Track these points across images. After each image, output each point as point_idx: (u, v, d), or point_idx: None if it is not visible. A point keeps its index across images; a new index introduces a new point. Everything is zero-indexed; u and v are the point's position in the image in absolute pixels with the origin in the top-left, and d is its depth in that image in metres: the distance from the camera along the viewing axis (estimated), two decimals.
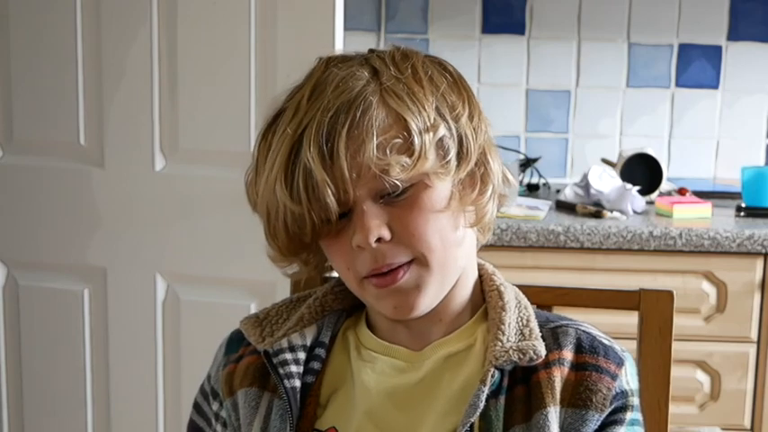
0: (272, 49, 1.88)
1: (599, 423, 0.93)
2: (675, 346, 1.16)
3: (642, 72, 2.74)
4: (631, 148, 2.52)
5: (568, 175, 2.76)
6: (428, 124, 0.90)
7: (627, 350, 0.99)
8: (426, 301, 0.94)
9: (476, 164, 0.94)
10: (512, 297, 1.00)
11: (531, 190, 2.59)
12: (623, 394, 0.95)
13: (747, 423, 2.25)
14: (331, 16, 1.85)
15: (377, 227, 0.90)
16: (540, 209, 2.31)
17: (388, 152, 0.88)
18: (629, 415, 0.95)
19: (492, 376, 0.92)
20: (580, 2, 2.71)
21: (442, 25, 2.71)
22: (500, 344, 0.94)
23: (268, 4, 1.88)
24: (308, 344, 1.00)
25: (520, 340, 0.95)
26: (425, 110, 0.90)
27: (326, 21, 1.85)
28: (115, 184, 2.02)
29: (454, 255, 0.94)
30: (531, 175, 2.65)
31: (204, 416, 1.06)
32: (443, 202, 0.92)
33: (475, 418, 0.91)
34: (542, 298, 1.16)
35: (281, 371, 0.97)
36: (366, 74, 0.93)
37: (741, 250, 2.16)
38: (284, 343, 0.99)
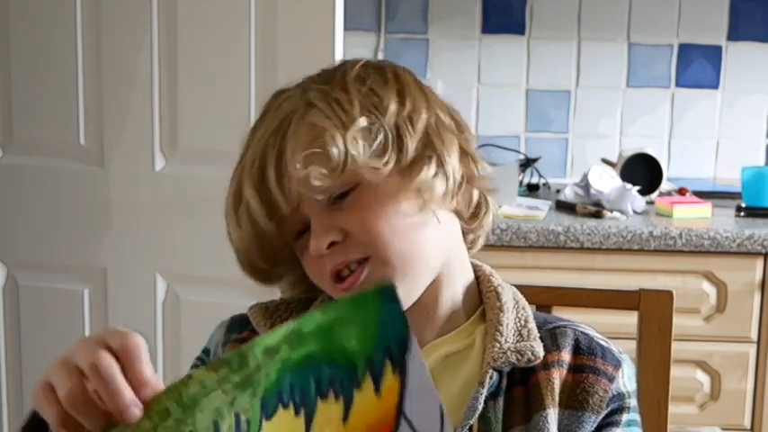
0: (272, 49, 1.88)
1: (595, 425, 0.93)
2: (675, 346, 1.16)
3: (642, 72, 2.74)
4: (631, 148, 2.52)
5: (568, 175, 2.76)
6: (346, 122, 0.90)
7: (625, 352, 0.98)
8: (400, 294, 0.93)
9: (422, 149, 0.92)
10: (510, 298, 1.00)
11: (531, 190, 2.59)
12: (620, 396, 0.95)
13: (747, 423, 2.25)
14: (331, 16, 1.85)
15: (325, 233, 0.91)
16: (540, 209, 2.31)
17: (303, 165, 0.90)
18: (625, 416, 0.95)
19: (490, 378, 0.92)
20: (580, 2, 2.71)
21: (442, 25, 2.71)
22: (498, 345, 0.94)
23: (268, 4, 1.88)
24: None
25: (518, 341, 0.95)
26: (345, 110, 0.91)
27: (326, 21, 1.85)
28: (115, 184, 2.02)
29: (415, 241, 0.93)
30: (531, 175, 2.65)
31: None
32: (389, 192, 0.91)
33: (473, 421, 0.91)
34: (542, 298, 1.16)
35: None
36: (297, 94, 0.96)
37: (741, 250, 2.16)
38: None
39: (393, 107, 0.92)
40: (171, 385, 0.66)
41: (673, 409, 1.18)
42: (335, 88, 0.93)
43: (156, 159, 1.99)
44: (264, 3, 1.88)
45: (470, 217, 1.00)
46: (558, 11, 2.71)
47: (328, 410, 0.64)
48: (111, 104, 1.99)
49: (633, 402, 0.96)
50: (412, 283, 0.94)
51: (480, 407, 0.91)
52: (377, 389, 0.63)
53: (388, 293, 0.64)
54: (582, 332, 0.98)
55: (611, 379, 0.94)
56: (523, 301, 1.01)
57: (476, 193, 0.98)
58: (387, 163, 0.90)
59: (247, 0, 1.88)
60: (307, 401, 0.64)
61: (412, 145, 0.92)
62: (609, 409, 0.94)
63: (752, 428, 2.25)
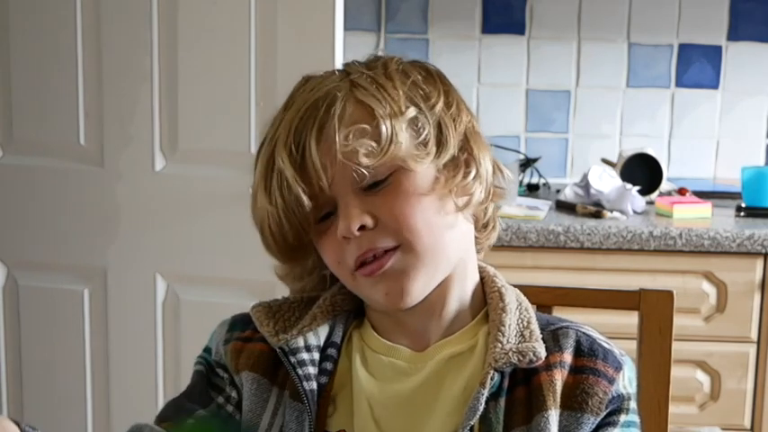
0: (272, 50, 1.88)
1: (594, 426, 0.93)
2: (675, 346, 1.16)
3: (642, 72, 2.74)
4: (631, 148, 2.52)
5: (568, 175, 2.76)
6: (395, 110, 0.91)
7: (626, 353, 0.98)
8: (418, 287, 0.93)
9: (459, 150, 0.94)
10: (513, 299, 1.00)
11: (531, 190, 2.59)
12: (619, 398, 0.95)
13: (747, 423, 2.25)
14: (331, 16, 1.85)
15: (357, 215, 0.91)
16: (540, 209, 2.31)
17: (352, 138, 0.90)
18: (623, 417, 0.95)
19: (491, 378, 0.92)
20: (580, 2, 2.70)
21: (442, 25, 2.71)
22: (500, 345, 0.94)
23: (268, 4, 1.88)
24: (321, 344, 0.99)
25: (520, 342, 0.95)
26: (392, 98, 0.92)
27: (326, 21, 1.85)
28: (115, 184, 2.02)
29: (442, 239, 0.94)
30: (531, 175, 2.64)
31: (214, 385, 1.03)
32: (426, 186, 0.92)
33: (474, 421, 0.91)
34: (542, 298, 1.16)
35: (299, 371, 0.96)
36: (337, 75, 0.96)
37: (741, 250, 2.16)
38: (300, 341, 0.98)
39: (440, 104, 0.94)
40: None
41: (673, 409, 1.17)
42: (380, 75, 0.94)
43: (156, 159, 1.99)
44: (264, 3, 1.88)
45: (481, 227, 1.01)
46: (558, 11, 2.71)
47: None
48: (111, 104, 1.99)
49: (633, 405, 0.96)
50: (430, 278, 0.94)
51: (481, 407, 0.91)
52: None
53: None
54: (584, 333, 0.98)
55: (612, 381, 0.94)
56: (526, 303, 1.01)
57: (491, 207, 1.00)
58: (428, 155, 0.92)
59: (247, 0, 1.88)
60: None
61: (453, 144, 0.93)
62: (608, 410, 0.94)
63: (752, 428, 2.25)
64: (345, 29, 1.95)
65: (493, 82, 2.72)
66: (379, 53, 1.03)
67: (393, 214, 0.91)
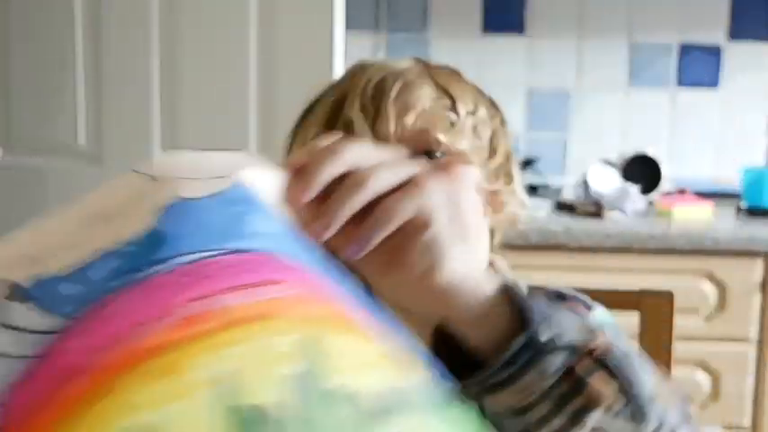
0: (272, 50, 1.88)
1: None
2: (675, 346, 1.16)
3: (642, 72, 2.74)
4: (631, 148, 2.52)
5: (568, 175, 2.76)
6: (469, 109, 0.93)
7: (601, 305, 1.00)
8: None
9: (498, 167, 0.97)
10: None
11: (531, 190, 2.59)
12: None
13: (747, 423, 2.25)
14: (331, 16, 1.85)
15: None
16: (540, 209, 2.31)
17: (435, 111, 0.91)
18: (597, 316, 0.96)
19: None
20: (580, 2, 2.71)
21: (442, 25, 2.71)
22: None
23: (268, 4, 1.88)
24: None
25: None
26: (466, 96, 0.94)
27: (326, 21, 1.85)
28: None
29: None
30: (531, 176, 2.65)
31: None
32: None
33: None
34: None
35: None
36: (410, 61, 0.97)
37: (741, 250, 2.16)
38: None
39: (497, 119, 0.97)
40: None
41: None
42: (455, 74, 0.97)
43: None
44: (264, 3, 1.88)
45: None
46: (558, 11, 2.71)
47: None
48: (111, 104, 1.99)
49: (611, 320, 0.97)
50: None
51: None
52: None
53: None
54: (553, 288, 1.01)
55: (579, 315, 0.95)
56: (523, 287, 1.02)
57: (498, 234, 1.03)
58: (481, 155, 0.94)
59: (247, 0, 1.88)
60: None
61: (501, 155, 0.96)
62: None
63: (752, 428, 2.25)
64: (345, 29, 1.95)
65: (493, 81, 2.72)
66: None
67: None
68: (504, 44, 2.71)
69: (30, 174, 2.07)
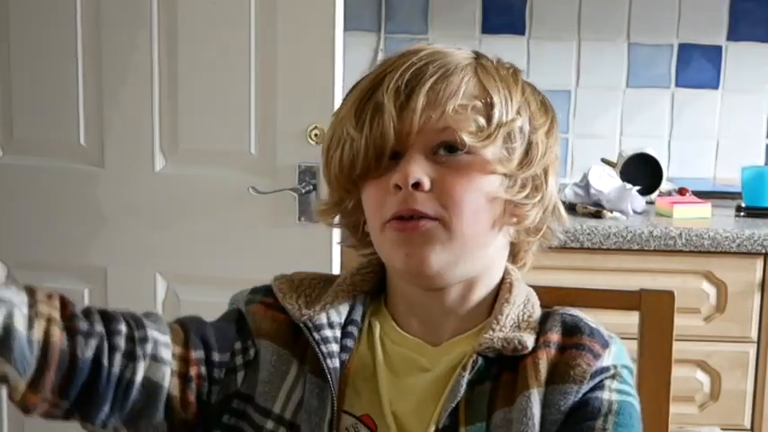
0: (272, 49, 1.88)
1: (579, 395, 0.92)
2: (675, 346, 1.16)
3: (642, 72, 2.73)
4: (631, 148, 2.52)
5: (568, 175, 2.75)
6: (507, 117, 0.93)
7: (616, 335, 0.98)
8: (438, 262, 0.93)
9: (535, 175, 0.96)
10: (521, 294, 1.01)
11: None
12: (606, 369, 0.94)
13: (747, 423, 2.25)
14: (331, 16, 1.85)
15: (418, 172, 0.92)
16: None
17: (461, 109, 0.91)
18: (615, 384, 0.94)
19: (474, 363, 0.93)
20: (580, 2, 2.70)
21: (442, 25, 2.71)
22: (491, 332, 0.95)
23: (268, 4, 1.88)
24: (342, 321, 1.00)
25: (513, 332, 0.96)
26: (510, 101, 0.94)
27: (326, 21, 1.85)
28: (115, 184, 2.02)
29: (479, 236, 0.95)
30: None
31: (240, 329, 1.02)
32: (491, 184, 0.94)
33: (455, 404, 0.92)
34: (542, 298, 1.16)
35: (323, 348, 0.97)
36: (467, 52, 0.97)
37: (741, 250, 2.16)
38: (323, 318, 0.99)
39: (542, 129, 0.97)
40: None
41: (673, 409, 1.17)
42: (508, 76, 0.97)
43: (156, 159, 1.99)
44: (264, 3, 1.88)
45: (515, 259, 1.03)
46: (558, 11, 2.71)
47: None
48: (111, 105, 1.99)
49: (625, 373, 0.95)
50: (452, 262, 0.95)
51: (462, 389, 0.92)
52: None
53: None
54: (569, 314, 0.99)
55: (597, 356, 0.94)
56: (535, 300, 1.02)
57: (534, 246, 1.03)
58: (510, 162, 0.94)
59: (247, 0, 1.88)
60: None
61: (533, 167, 0.96)
62: (595, 380, 0.93)
63: (752, 428, 2.25)
64: (345, 29, 1.95)
65: None
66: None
67: (448, 188, 0.92)
68: (504, 44, 2.71)
69: (30, 174, 2.07)
